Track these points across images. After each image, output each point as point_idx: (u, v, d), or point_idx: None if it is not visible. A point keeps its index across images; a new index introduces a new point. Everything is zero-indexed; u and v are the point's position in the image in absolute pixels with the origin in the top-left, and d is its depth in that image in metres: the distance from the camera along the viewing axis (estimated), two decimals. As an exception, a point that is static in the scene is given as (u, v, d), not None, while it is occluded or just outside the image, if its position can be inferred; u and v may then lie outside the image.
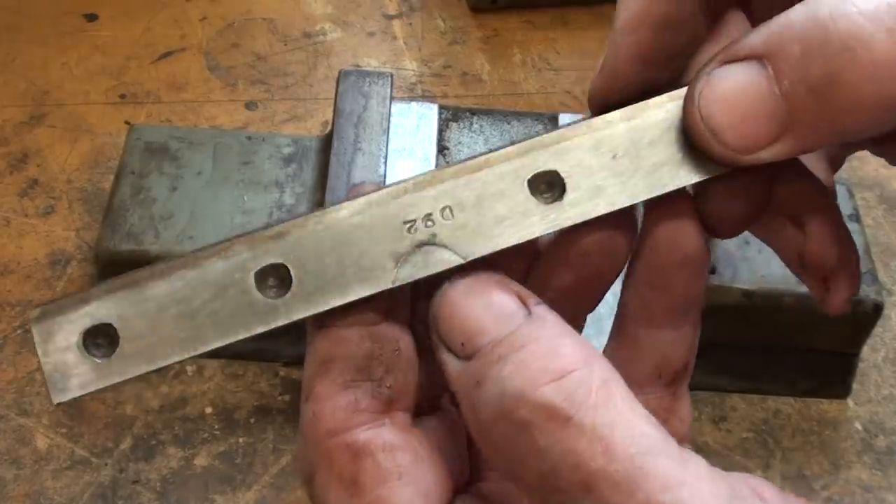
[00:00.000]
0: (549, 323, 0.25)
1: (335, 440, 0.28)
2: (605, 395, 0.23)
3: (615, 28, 0.29)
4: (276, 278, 0.28)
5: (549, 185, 0.28)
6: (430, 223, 0.28)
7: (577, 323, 0.32)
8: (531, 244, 0.29)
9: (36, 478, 0.54)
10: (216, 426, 0.57)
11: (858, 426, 0.60)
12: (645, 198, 0.28)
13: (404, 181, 0.28)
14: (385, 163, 0.59)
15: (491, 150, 0.28)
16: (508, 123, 0.66)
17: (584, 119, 0.29)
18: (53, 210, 0.67)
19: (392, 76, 0.64)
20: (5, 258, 0.64)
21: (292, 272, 0.27)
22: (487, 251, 0.28)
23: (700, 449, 0.58)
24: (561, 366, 0.24)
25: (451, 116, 0.66)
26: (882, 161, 0.30)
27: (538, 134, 0.29)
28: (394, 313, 0.29)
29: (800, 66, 0.25)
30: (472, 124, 0.66)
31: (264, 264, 0.27)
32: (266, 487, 0.54)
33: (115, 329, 0.27)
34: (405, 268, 0.28)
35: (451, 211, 0.28)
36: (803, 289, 0.58)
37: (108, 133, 0.72)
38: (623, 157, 0.28)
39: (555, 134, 0.29)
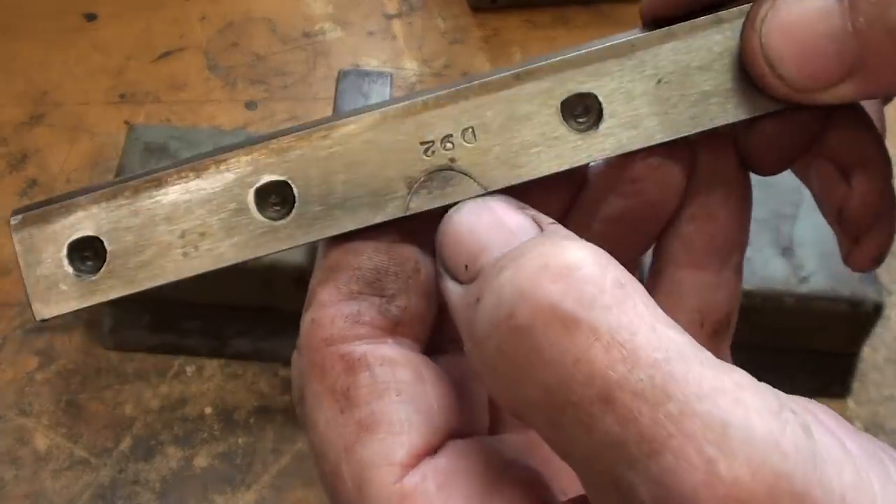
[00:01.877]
0: (559, 233, 0.22)
1: (330, 349, 0.25)
2: (620, 295, 0.20)
3: None
4: (279, 196, 0.25)
5: (584, 110, 0.26)
6: (449, 145, 0.25)
7: (630, 267, 0.30)
8: (579, 169, 0.27)
9: (35, 478, 0.54)
10: (216, 426, 0.57)
11: (859, 426, 0.60)
12: (687, 133, 0.26)
13: (424, 95, 0.25)
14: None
15: (521, 66, 0.26)
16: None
17: (629, 35, 0.26)
18: (53, 210, 0.67)
19: (392, 76, 0.64)
20: (5, 258, 0.64)
21: (295, 191, 0.25)
22: (511, 182, 0.25)
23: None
24: (565, 263, 0.20)
25: (450, 116, 0.66)
26: (882, 161, 0.30)
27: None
28: (419, 236, 0.26)
29: (882, 3, 0.22)
30: (471, 124, 0.66)
31: (266, 181, 0.25)
32: (266, 487, 0.54)
33: (102, 243, 0.25)
34: (420, 195, 0.25)
35: (473, 133, 0.25)
36: (803, 289, 0.58)
37: (108, 133, 0.72)
38: (668, 83, 0.26)
39: (595, 50, 0.26)
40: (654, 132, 0.26)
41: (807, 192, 0.37)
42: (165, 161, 0.60)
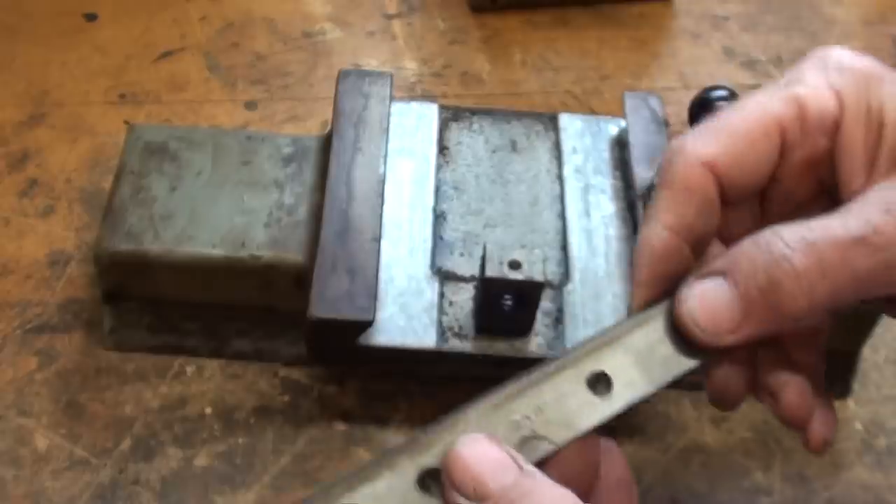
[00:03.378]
0: (538, 478, 0.33)
1: None
2: None
3: (637, 277, 0.40)
4: (434, 478, 0.34)
5: (597, 380, 0.37)
6: (528, 420, 0.36)
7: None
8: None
9: (35, 478, 0.54)
10: (216, 426, 0.57)
11: (859, 426, 0.60)
12: (664, 383, 0.38)
13: (507, 390, 0.36)
14: (385, 163, 0.59)
15: (559, 359, 0.38)
16: (508, 123, 0.66)
17: (617, 328, 0.39)
18: (53, 210, 0.67)
19: (392, 76, 0.64)
20: (5, 258, 0.64)
21: (443, 475, 0.34)
22: (568, 438, 0.36)
23: (700, 449, 0.58)
24: None
25: (451, 116, 0.66)
26: (882, 161, 0.31)
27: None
28: None
29: (748, 275, 0.36)
30: (472, 124, 0.66)
31: (423, 471, 0.34)
32: (266, 487, 0.54)
33: None
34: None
35: (540, 410, 0.36)
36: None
37: (108, 133, 0.72)
38: (644, 356, 0.38)
39: (597, 342, 0.38)
40: (644, 388, 0.38)
41: (807, 193, 0.37)
42: (166, 160, 0.60)
